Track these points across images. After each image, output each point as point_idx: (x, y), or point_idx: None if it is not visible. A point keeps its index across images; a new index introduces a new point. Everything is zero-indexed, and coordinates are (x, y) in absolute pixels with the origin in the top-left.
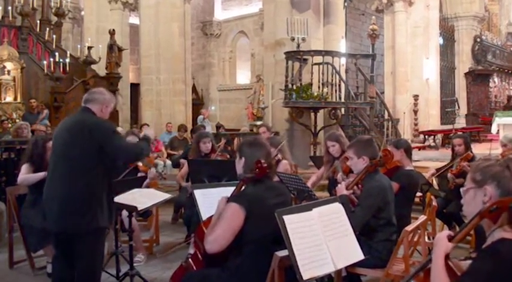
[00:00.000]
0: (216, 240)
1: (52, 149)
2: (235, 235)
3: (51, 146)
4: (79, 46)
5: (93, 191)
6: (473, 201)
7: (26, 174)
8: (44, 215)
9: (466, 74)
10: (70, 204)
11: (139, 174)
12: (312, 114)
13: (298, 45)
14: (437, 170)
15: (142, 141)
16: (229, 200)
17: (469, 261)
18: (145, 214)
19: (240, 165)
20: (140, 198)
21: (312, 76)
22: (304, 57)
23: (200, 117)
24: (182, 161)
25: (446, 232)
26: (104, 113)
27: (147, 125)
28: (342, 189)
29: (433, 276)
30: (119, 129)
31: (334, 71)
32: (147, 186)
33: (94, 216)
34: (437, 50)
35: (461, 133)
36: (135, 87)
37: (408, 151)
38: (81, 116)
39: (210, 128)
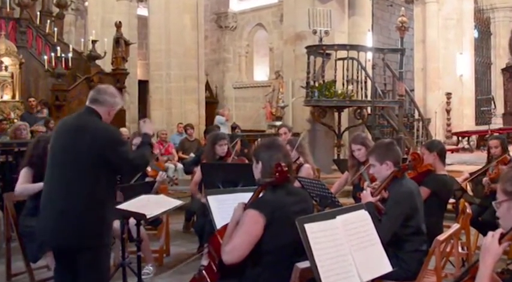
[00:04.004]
0: (234, 250)
1: (50, 153)
2: (254, 244)
3: (49, 150)
4: (82, 40)
5: (96, 202)
6: (509, 214)
7: (24, 184)
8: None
9: (503, 70)
10: (70, 217)
11: (147, 179)
12: (336, 113)
13: (321, 39)
14: (471, 174)
15: (144, 148)
16: (248, 206)
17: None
18: (155, 222)
19: (257, 170)
20: (149, 205)
21: (335, 72)
22: (327, 51)
23: (221, 118)
24: (195, 169)
25: (497, 237)
26: (111, 115)
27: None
28: (367, 196)
29: None
30: (124, 130)
31: (359, 66)
32: (156, 192)
33: (97, 230)
34: (472, 44)
35: (497, 134)
36: (143, 85)
37: (442, 154)
38: (85, 119)
39: (227, 130)
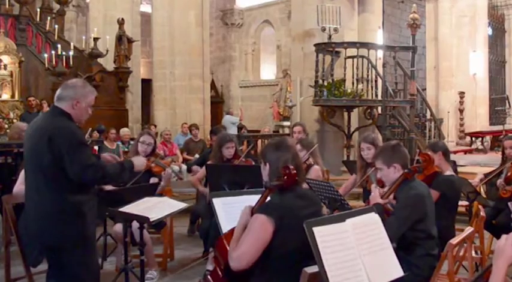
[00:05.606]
0: (242, 256)
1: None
2: (262, 250)
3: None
4: (84, 37)
5: (69, 205)
6: None
7: (22, 186)
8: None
9: None
10: (44, 218)
11: (152, 179)
12: (345, 113)
13: (330, 37)
14: (486, 175)
15: (123, 170)
16: (256, 210)
17: None
18: (159, 226)
19: (265, 172)
20: (153, 207)
21: (345, 71)
22: (337, 49)
23: (234, 118)
24: (194, 168)
25: (510, 239)
26: (77, 110)
27: (154, 125)
28: (375, 197)
29: None
30: (125, 130)
31: (370, 65)
32: (161, 193)
33: (74, 227)
34: (486, 42)
35: None
36: (146, 83)
37: (447, 154)
38: (46, 119)
39: (235, 130)
